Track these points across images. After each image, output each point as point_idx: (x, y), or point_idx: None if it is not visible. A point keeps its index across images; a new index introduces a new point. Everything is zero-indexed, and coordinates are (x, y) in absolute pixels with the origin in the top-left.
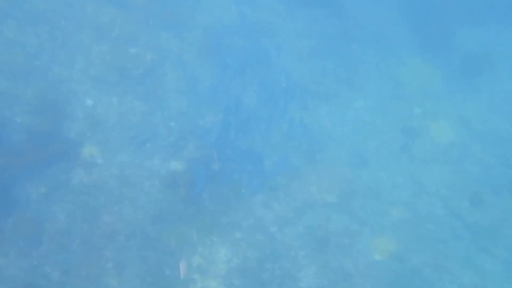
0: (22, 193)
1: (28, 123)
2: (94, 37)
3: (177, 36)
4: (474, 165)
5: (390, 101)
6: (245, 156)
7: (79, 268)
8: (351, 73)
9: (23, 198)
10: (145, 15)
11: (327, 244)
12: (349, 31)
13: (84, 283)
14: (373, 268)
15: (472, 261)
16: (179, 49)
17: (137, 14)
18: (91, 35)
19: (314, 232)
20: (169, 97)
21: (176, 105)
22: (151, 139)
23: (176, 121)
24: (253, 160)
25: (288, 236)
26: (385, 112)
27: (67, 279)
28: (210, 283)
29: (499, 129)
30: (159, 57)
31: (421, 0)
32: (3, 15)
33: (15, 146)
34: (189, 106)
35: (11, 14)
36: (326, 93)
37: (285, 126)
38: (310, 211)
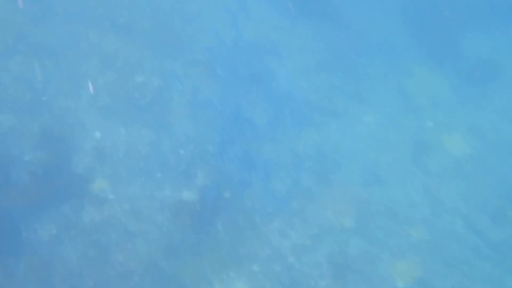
0: (33, 235)
1: (37, 160)
2: (100, 66)
3: (182, 60)
4: (492, 178)
5: (401, 114)
6: (257, 180)
7: None
8: (359, 87)
9: (34, 240)
10: (149, 41)
11: (347, 271)
12: (354, 43)
13: None
14: None
15: (500, 283)
16: (184, 73)
17: (141, 40)
18: (96, 65)
19: (333, 260)
20: (177, 123)
21: (184, 131)
22: (161, 169)
23: (185, 148)
24: (265, 185)
25: (307, 266)
26: (396, 127)
27: None
28: None
29: None
30: (165, 83)
31: (425, 6)
32: (9, 51)
33: (24, 185)
34: (197, 131)
35: (17, 49)
36: (335, 109)
37: (295, 146)
38: (328, 237)
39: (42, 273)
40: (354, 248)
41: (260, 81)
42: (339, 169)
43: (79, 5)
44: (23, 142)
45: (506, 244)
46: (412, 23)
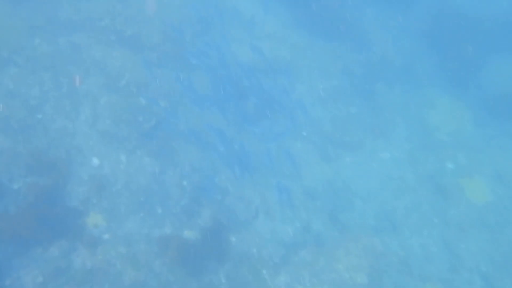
0: (16, 284)
1: (27, 189)
2: (102, 84)
3: (191, 79)
4: None
5: (419, 151)
6: (264, 221)
7: None
8: (376, 117)
9: None
10: (157, 57)
11: None
12: (373, 68)
13: None
14: None
15: None
16: (192, 94)
17: (149, 56)
18: (99, 82)
19: None
20: (182, 150)
21: (189, 160)
22: (162, 203)
23: (189, 180)
24: (273, 226)
25: None
26: (414, 166)
27: None
28: None
29: None
30: (171, 105)
31: (449, 31)
32: (4, 63)
33: (11, 217)
34: (203, 160)
35: (13, 62)
36: (350, 141)
37: (306, 181)
38: None
39: None
40: None
41: (273, 106)
42: (352, 210)
43: (83, 13)
44: (13, 167)
45: None
46: (434, 49)
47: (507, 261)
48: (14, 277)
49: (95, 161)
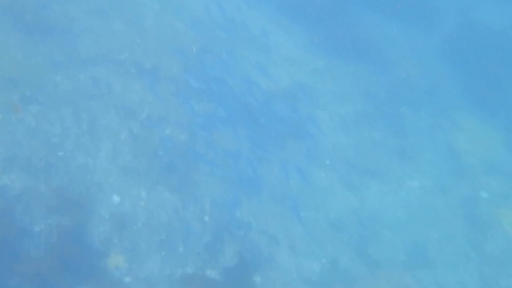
0: None
1: (48, 231)
2: (122, 119)
3: (211, 109)
4: None
5: (450, 178)
6: (289, 258)
7: None
8: (402, 142)
9: None
10: (177, 89)
11: None
12: (397, 90)
13: None
14: None
15: None
16: (213, 125)
17: (169, 88)
18: (119, 116)
19: None
20: (202, 183)
21: (210, 194)
22: (183, 241)
23: (211, 215)
24: (298, 264)
25: None
26: (445, 194)
27: None
28: None
29: None
30: (192, 137)
31: (475, 49)
32: (26, 101)
33: (33, 263)
34: (224, 193)
35: (35, 99)
36: (376, 169)
37: (330, 212)
38: None
39: None
40: None
41: (294, 133)
42: (380, 243)
43: (103, 48)
44: (35, 208)
45: None
46: (460, 69)
47: None
48: None
49: (116, 198)
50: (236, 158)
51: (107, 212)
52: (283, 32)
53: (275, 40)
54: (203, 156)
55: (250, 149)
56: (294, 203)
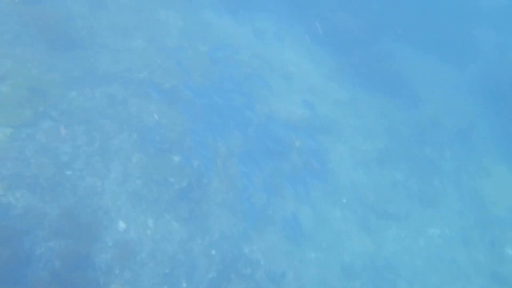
0: None
1: (49, 256)
2: (136, 140)
3: (228, 135)
4: None
5: (474, 230)
6: None
7: None
8: (425, 186)
9: None
10: (195, 113)
11: None
12: (422, 129)
13: None
14: None
15: None
16: (228, 152)
17: (186, 111)
18: (132, 138)
19: None
20: (212, 214)
21: (219, 226)
22: (188, 276)
23: (218, 249)
24: None
25: None
26: (467, 247)
27: None
28: None
29: None
30: (205, 163)
31: (511, 91)
32: (39, 118)
33: (30, 286)
34: (234, 227)
35: (48, 115)
36: (395, 212)
37: (344, 255)
38: None
39: None
40: None
41: (310, 167)
42: None
43: (122, 65)
44: (38, 229)
45: None
46: (493, 111)
47: None
48: None
49: (122, 225)
50: (249, 190)
51: (111, 239)
52: (308, 58)
53: (299, 66)
54: (214, 185)
55: (265, 181)
56: (306, 241)
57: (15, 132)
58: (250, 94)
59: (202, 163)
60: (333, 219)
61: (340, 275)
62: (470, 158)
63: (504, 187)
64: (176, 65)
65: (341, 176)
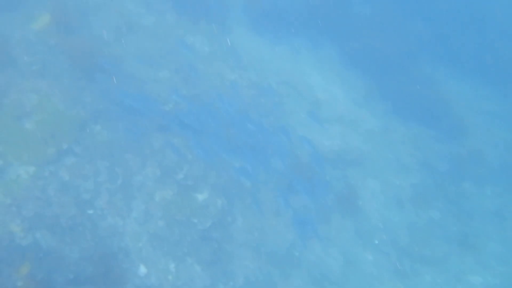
0: None
1: None
2: (159, 177)
3: (253, 169)
4: None
5: None
6: None
7: None
8: (464, 227)
9: None
10: (219, 145)
11: None
12: (461, 163)
13: None
14: None
15: None
16: (254, 187)
17: (211, 145)
18: (155, 175)
19: None
20: (237, 257)
21: (243, 270)
22: None
23: None
24: None
25: None
26: None
27: None
28: None
29: None
30: (229, 202)
31: None
32: (63, 154)
33: None
34: (259, 272)
35: (72, 151)
36: (431, 256)
37: None
38: None
39: None
40: None
41: (339, 206)
42: None
43: (147, 96)
44: (56, 274)
45: None
46: None
47: None
48: None
49: (142, 269)
50: (275, 230)
51: (131, 285)
52: (337, 83)
53: (328, 92)
54: (239, 225)
55: (291, 219)
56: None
57: (38, 171)
58: (277, 125)
59: (226, 200)
60: (364, 262)
61: None
62: None
63: None
64: (202, 95)
65: (372, 215)
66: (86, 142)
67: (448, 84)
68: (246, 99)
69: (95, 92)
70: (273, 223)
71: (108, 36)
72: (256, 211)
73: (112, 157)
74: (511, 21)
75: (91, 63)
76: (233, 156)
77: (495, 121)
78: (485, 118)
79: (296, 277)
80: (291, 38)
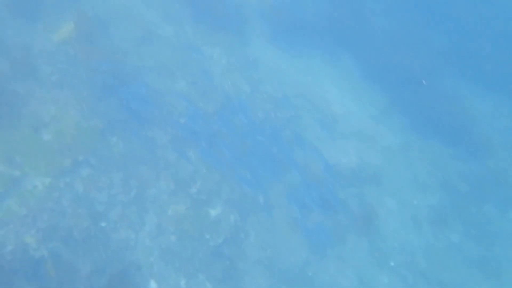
0: None
1: None
2: (172, 191)
3: (268, 184)
4: None
5: None
6: None
7: None
8: (485, 251)
9: None
10: (235, 158)
11: None
12: (483, 184)
13: None
14: None
15: None
16: (267, 203)
17: (225, 160)
18: (169, 188)
19: None
20: (249, 275)
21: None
22: None
23: None
24: None
25: None
26: None
27: None
28: None
29: None
30: (242, 218)
31: None
32: (78, 165)
33: None
34: None
35: (87, 163)
36: (450, 281)
37: None
38: None
39: None
40: None
41: (355, 224)
42: None
43: (164, 108)
44: (69, 285)
45: None
46: None
47: None
48: None
49: (153, 285)
50: (288, 247)
51: None
52: (355, 97)
53: (345, 106)
54: (252, 242)
55: (306, 237)
56: None
57: (54, 182)
58: (293, 139)
59: (239, 215)
60: (379, 284)
61: None
62: None
63: None
64: (218, 108)
65: (388, 235)
66: (102, 154)
67: (470, 101)
68: (262, 112)
69: (113, 103)
70: (286, 240)
71: (127, 45)
72: (269, 227)
73: (127, 169)
74: None
75: (109, 74)
76: (247, 169)
77: None
78: (509, 137)
79: None
80: (309, 51)
